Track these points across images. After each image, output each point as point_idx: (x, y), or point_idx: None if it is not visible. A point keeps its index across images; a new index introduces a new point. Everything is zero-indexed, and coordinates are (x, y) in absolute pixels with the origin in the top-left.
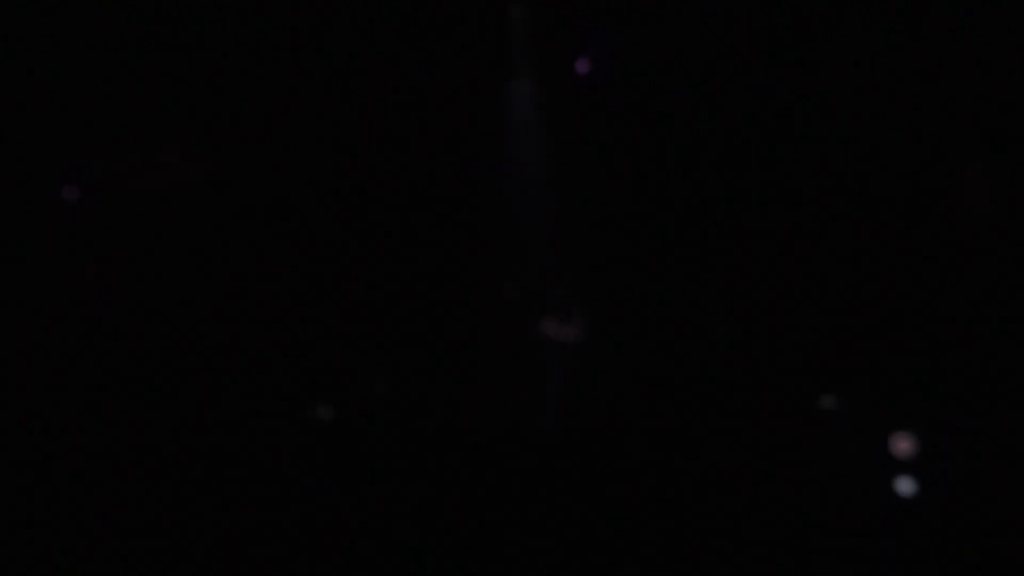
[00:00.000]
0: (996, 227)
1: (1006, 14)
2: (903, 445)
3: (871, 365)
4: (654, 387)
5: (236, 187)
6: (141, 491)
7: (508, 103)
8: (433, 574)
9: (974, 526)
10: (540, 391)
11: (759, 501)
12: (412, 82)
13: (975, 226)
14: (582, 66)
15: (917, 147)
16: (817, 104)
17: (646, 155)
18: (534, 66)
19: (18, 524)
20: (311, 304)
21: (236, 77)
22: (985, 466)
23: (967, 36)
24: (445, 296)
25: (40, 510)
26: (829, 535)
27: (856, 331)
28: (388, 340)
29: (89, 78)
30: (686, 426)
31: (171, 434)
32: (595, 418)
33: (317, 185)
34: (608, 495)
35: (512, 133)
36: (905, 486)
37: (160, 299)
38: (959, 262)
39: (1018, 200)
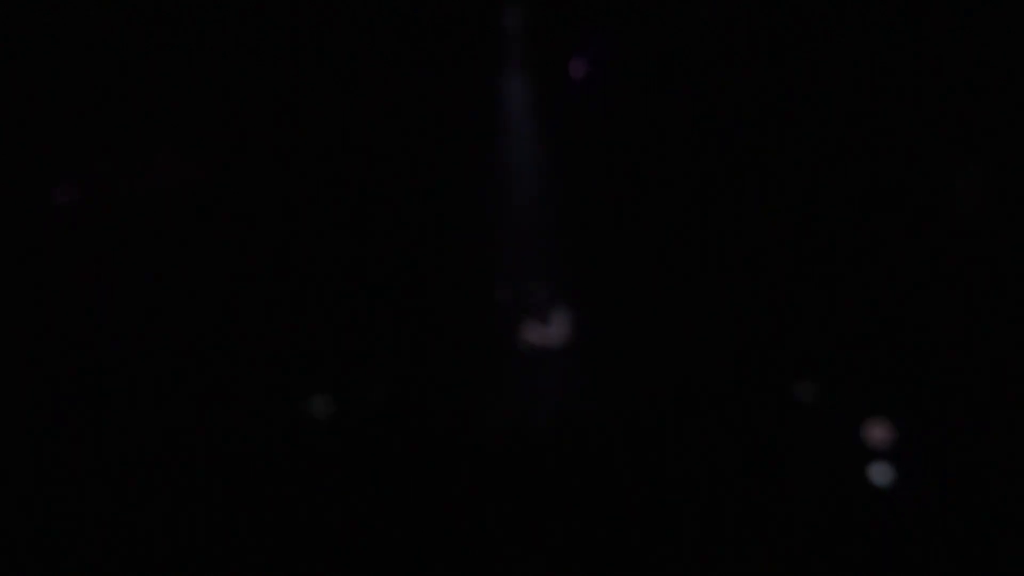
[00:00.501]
0: (975, 219)
1: (1006, 14)
2: (878, 433)
3: (848, 354)
4: (642, 381)
5: (233, 188)
6: (136, 492)
7: (501, 101)
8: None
9: (951, 515)
10: (533, 390)
11: (748, 492)
12: (406, 80)
13: (954, 217)
14: (577, 68)
15: (907, 143)
16: (810, 100)
17: (641, 153)
18: (528, 64)
19: (18, 524)
20: (306, 303)
21: (232, 75)
22: (962, 455)
23: (966, 36)
24: (438, 295)
25: (39, 509)
26: (814, 527)
27: (835, 321)
28: (383, 340)
29: (85, 79)
30: (675, 418)
31: (167, 436)
32: (588, 417)
33: (312, 185)
34: (600, 493)
35: (505, 131)
36: (880, 474)
37: (156, 301)
38: (939, 256)
39: (1007, 198)
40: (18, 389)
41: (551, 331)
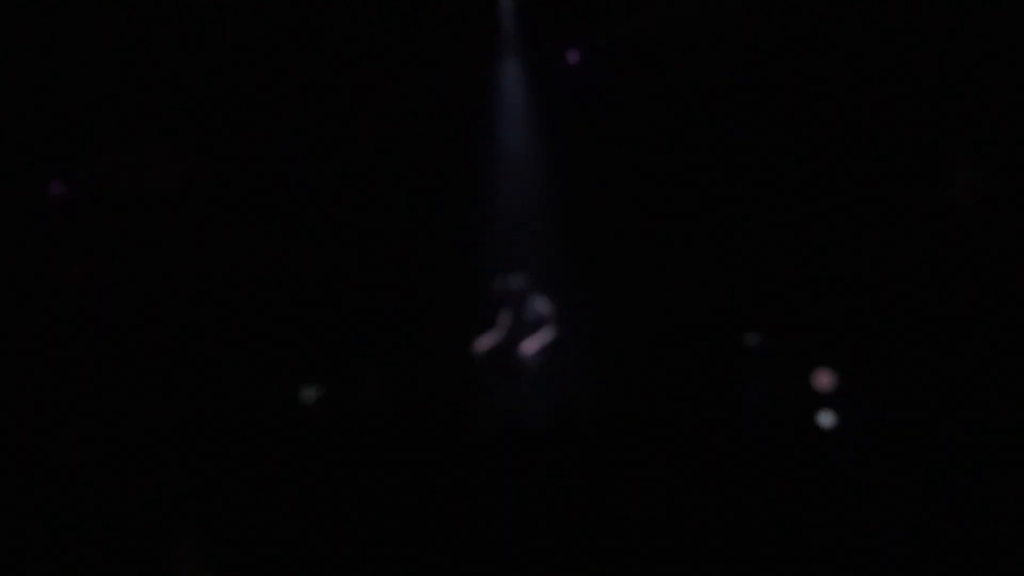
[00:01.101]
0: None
1: (1004, 14)
2: (824, 380)
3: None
4: (631, 366)
5: (228, 182)
6: (128, 489)
7: (498, 89)
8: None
9: (893, 459)
10: (528, 388)
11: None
12: (401, 69)
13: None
14: (573, 56)
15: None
16: (800, 87)
17: (635, 142)
18: (524, 51)
19: (14, 521)
20: (300, 296)
21: (225, 67)
22: (906, 400)
23: (963, 35)
24: (432, 289)
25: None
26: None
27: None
28: (377, 334)
29: (78, 77)
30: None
31: (162, 427)
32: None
33: (305, 178)
34: (592, 485)
35: (502, 121)
36: (826, 419)
37: (150, 297)
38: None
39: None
40: (16, 380)
41: (535, 343)
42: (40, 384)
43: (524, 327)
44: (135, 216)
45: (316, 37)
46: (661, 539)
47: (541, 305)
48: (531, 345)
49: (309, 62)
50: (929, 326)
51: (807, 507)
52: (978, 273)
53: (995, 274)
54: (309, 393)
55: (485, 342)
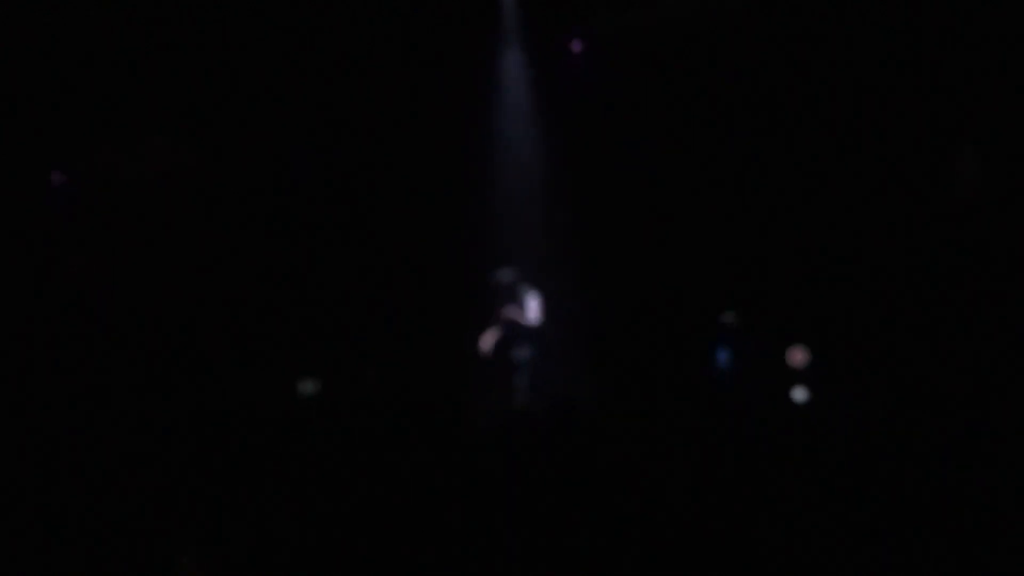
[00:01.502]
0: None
1: (1000, 11)
2: (798, 357)
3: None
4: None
5: (223, 174)
6: (124, 483)
7: (498, 83)
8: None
9: (862, 432)
10: (513, 376)
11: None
12: (403, 65)
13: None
14: (576, 45)
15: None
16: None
17: (635, 139)
18: (525, 46)
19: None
20: (297, 290)
21: (220, 56)
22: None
23: (960, 29)
24: (429, 283)
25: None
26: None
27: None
28: (376, 325)
29: (77, 68)
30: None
31: (158, 425)
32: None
33: (304, 172)
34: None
35: (501, 114)
36: (799, 394)
37: (147, 287)
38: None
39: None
40: (8, 373)
41: (525, 312)
42: (39, 375)
43: (516, 320)
44: (135, 209)
45: (315, 30)
46: (655, 529)
47: (531, 298)
48: (514, 311)
49: (308, 55)
50: (902, 307)
51: (786, 484)
52: (950, 257)
53: (966, 260)
54: (307, 387)
55: (488, 339)
